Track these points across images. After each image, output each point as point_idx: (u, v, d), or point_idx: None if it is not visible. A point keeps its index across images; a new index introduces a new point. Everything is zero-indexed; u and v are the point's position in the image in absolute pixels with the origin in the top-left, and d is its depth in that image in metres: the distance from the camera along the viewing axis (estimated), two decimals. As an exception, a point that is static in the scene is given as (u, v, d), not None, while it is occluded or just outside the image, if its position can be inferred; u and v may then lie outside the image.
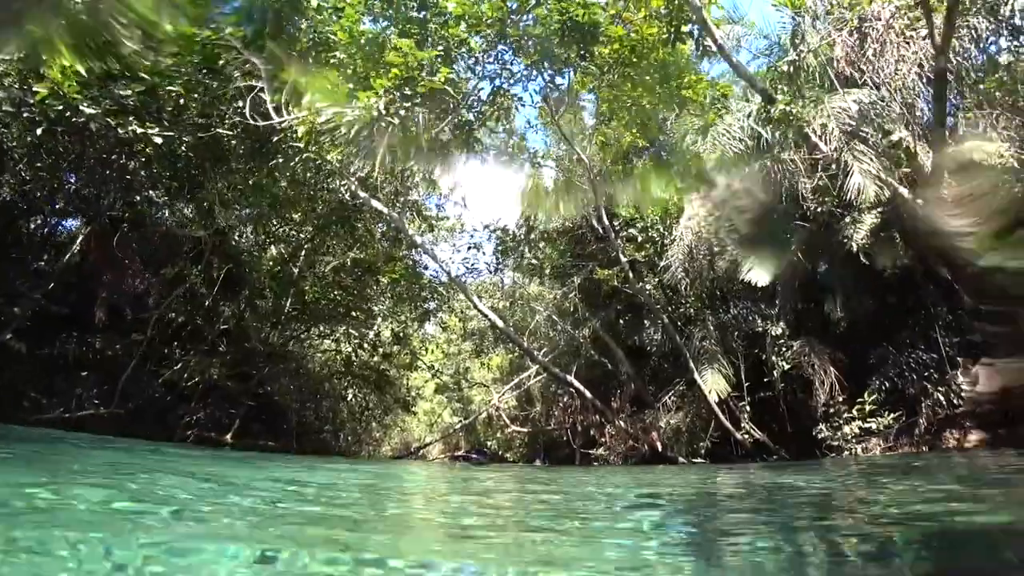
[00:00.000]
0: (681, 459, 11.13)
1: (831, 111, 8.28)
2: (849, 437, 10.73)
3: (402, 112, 6.00)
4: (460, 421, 22.01)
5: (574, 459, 14.64)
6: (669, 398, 12.43)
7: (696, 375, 10.92)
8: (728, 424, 10.90)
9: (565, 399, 14.31)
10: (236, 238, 11.91)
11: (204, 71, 7.31)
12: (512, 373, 19.59)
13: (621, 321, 14.86)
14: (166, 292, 12.51)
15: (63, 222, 12.70)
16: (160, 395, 12.83)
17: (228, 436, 14.32)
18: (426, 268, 16.24)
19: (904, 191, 7.95)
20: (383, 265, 14.10)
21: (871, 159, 7.92)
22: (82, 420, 11.07)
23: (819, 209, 10.08)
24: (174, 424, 12.79)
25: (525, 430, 16.43)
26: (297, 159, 7.17)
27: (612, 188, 12.73)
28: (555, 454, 16.22)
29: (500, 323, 13.62)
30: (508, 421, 16.15)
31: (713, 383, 10.76)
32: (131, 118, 7.31)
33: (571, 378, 12.93)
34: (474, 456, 18.38)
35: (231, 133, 8.57)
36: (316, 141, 6.57)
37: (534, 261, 13.64)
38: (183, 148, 9.10)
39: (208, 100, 7.55)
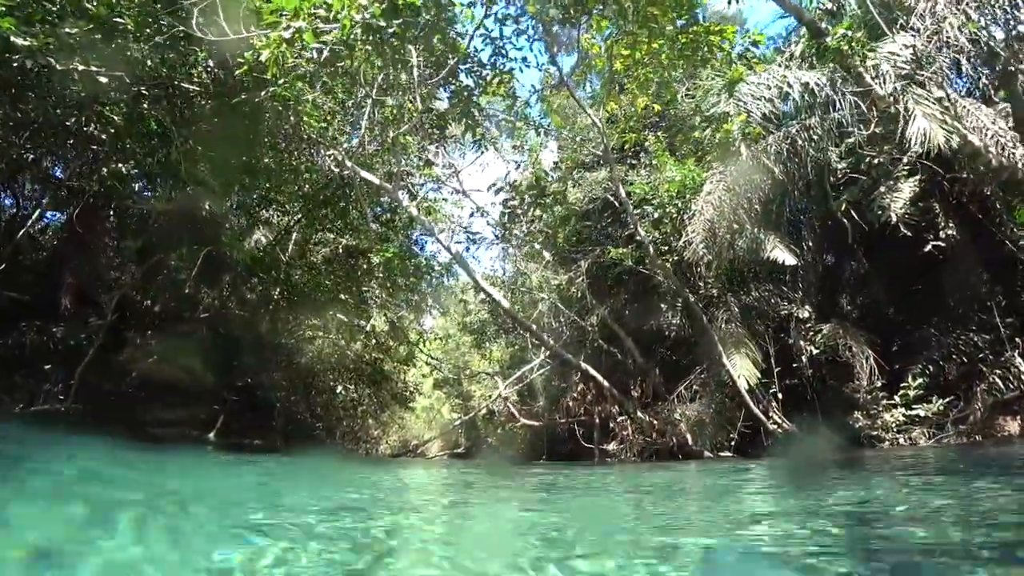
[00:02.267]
0: (707, 453, 10.11)
1: (881, 55, 7.26)
2: (891, 426, 9.76)
3: (392, 27, 4.98)
4: (460, 417, 20.98)
5: (580, 455, 13.62)
6: (688, 387, 11.42)
7: (725, 359, 9.89)
8: (759, 413, 9.88)
9: (579, 388, 13.24)
10: (209, 209, 10.80)
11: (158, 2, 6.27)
12: (514, 366, 18.58)
13: (629, 309, 13.86)
14: (138, 275, 11.42)
15: (24, 199, 11.58)
16: (133, 388, 11.75)
17: (211, 435, 13.28)
18: (422, 250, 15.22)
19: (976, 139, 6.95)
20: (377, 247, 13.01)
21: (931, 104, 6.93)
22: (42, 415, 10.01)
23: (876, 161, 9.02)
24: (148, 421, 11.70)
25: (535, 423, 15.37)
26: (264, 93, 6.14)
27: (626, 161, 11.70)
28: (559, 450, 15.22)
29: (505, 303, 12.56)
30: (516, 414, 15.08)
31: (743, 368, 9.74)
32: (75, 57, 6.25)
33: (585, 365, 11.87)
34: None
35: (196, 88, 7.52)
36: (285, 73, 5.56)
37: (546, 230, 12.48)
38: (145, 105, 8.05)
39: (165, 42, 6.49)
